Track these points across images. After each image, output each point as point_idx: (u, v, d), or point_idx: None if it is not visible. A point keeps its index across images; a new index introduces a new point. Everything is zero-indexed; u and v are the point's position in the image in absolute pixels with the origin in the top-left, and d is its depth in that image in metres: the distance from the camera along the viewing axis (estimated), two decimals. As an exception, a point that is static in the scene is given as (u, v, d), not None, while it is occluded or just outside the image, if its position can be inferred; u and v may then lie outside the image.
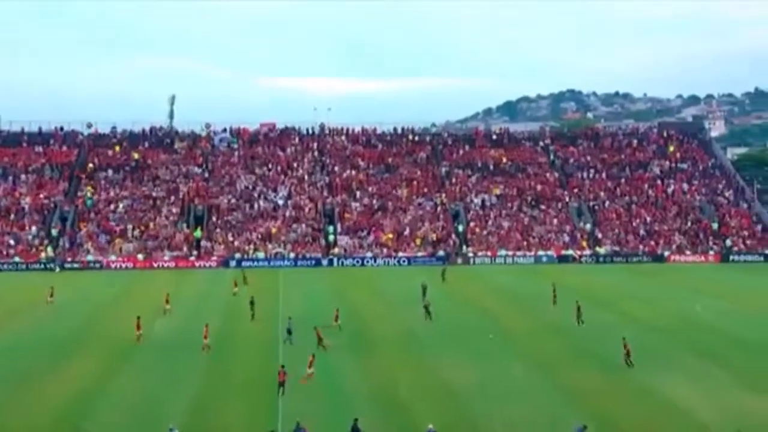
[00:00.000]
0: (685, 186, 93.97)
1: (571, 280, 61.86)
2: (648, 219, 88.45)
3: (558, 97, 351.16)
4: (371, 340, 44.68)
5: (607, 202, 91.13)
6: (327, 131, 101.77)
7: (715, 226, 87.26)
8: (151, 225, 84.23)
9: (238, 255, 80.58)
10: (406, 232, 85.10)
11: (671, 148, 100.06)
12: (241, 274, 65.33)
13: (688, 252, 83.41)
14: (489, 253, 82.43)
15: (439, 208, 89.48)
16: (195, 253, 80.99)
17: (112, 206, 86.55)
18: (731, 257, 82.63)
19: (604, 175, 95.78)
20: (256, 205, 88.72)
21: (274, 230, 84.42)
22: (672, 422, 31.15)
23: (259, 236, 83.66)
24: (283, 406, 32.41)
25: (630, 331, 45.81)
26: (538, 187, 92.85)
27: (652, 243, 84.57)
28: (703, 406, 32.68)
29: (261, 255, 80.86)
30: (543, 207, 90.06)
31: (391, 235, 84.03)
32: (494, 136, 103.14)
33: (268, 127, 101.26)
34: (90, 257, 79.19)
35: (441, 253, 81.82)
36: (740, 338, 45.51)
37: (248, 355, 41.41)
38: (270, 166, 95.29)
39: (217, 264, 78.87)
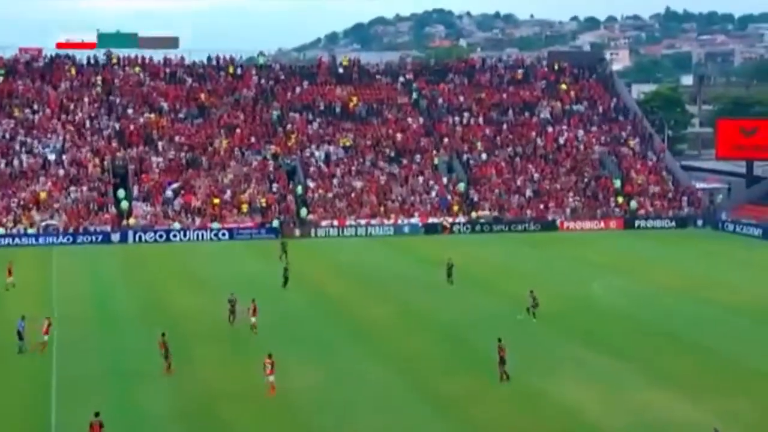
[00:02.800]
0: (581, 134, 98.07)
1: (440, 256, 63.48)
2: (536, 176, 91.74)
3: (423, 19, 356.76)
4: (182, 343, 44.29)
5: (484, 155, 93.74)
6: (115, 60, 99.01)
7: (617, 183, 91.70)
8: None
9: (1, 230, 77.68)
10: (227, 196, 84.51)
11: (564, 86, 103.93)
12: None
13: (584, 217, 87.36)
14: (336, 222, 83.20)
15: (270, 164, 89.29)
16: (-69, 228, 77.37)
17: None
18: (637, 222, 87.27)
19: (480, 119, 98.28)
20: (16, 161, 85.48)
21: (43, 195, 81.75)
22: (564, 429, 32.94)
23: (22, 203, 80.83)
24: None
25: (510, 324, 47.76)
26: (398, 136, 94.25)
27: (541, 206, 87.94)
28: (601, 409, 34.71)
29: (30, 230, 78.13)
30: (404, 162, 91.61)
31: (216, 201, 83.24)
32: (341, 70, 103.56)
33: (31, 54, 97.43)
34: None
35: (274, 223, 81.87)
36: (645, 324, 48.47)
37: (14, 372, 40.30)
38: (36, 107, 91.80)
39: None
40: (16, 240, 76.87)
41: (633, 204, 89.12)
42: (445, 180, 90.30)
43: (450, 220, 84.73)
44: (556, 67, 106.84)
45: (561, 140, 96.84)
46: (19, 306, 49.47)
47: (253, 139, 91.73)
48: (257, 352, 42.12)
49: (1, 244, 75.71)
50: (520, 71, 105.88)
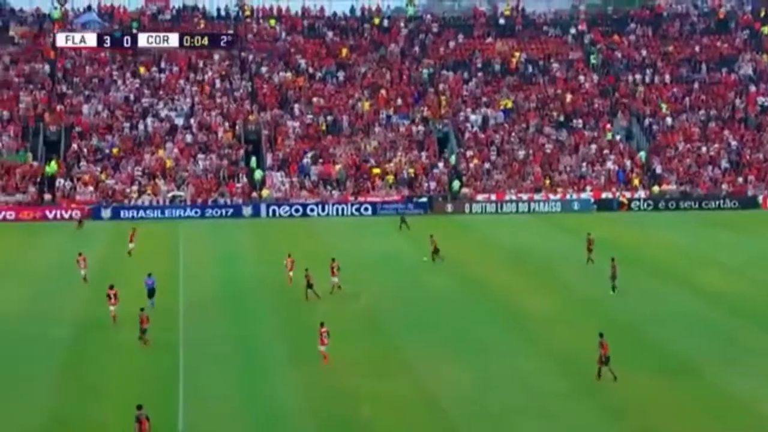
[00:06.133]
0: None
1: (616, 237, 62.35)
2: (733, 144, 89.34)
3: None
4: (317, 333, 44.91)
5: (671, 120, 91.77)
6: (248, 12, 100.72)
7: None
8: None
9: (125, 201, 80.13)
10: (370, 166, 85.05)
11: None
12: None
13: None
14: (493, 197, 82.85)
15: (419, 130, 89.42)
16: (48, 197, 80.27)
17: None
18: None
19: (667, 77, 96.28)
20: (141, 126, 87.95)
21: (169, 163, 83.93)
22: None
23: (147, 172, 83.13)
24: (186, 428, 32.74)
25: (695, 321, 46.54)
26: (568, 98, 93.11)
27: (740, 180, 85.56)
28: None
29: (156, 202, 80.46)
30: (575, 127, 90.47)
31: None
32: (502, 20, 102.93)
33: (158, 6, 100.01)
34: None
35: (423, 198, 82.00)
36: None
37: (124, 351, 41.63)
38: (162, 65, 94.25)
39: (82, 215, 78.17)
40: (140, 212, 79.03)
41: None
42: (623, 149, 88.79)
43: (628, 195, 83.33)
44: (762, 13, 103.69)
45: (766, 101, 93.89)
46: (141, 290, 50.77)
47: (400, 101, 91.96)
48: (402, 345, 42.27)
49: (124, 216, 78.07)
50: (721, 12, 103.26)
